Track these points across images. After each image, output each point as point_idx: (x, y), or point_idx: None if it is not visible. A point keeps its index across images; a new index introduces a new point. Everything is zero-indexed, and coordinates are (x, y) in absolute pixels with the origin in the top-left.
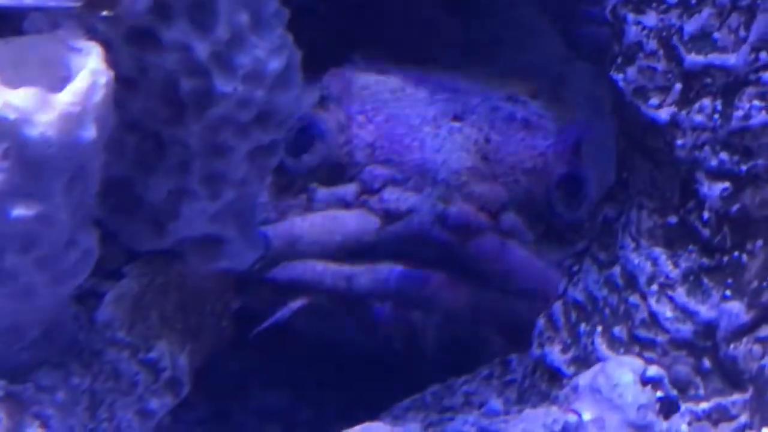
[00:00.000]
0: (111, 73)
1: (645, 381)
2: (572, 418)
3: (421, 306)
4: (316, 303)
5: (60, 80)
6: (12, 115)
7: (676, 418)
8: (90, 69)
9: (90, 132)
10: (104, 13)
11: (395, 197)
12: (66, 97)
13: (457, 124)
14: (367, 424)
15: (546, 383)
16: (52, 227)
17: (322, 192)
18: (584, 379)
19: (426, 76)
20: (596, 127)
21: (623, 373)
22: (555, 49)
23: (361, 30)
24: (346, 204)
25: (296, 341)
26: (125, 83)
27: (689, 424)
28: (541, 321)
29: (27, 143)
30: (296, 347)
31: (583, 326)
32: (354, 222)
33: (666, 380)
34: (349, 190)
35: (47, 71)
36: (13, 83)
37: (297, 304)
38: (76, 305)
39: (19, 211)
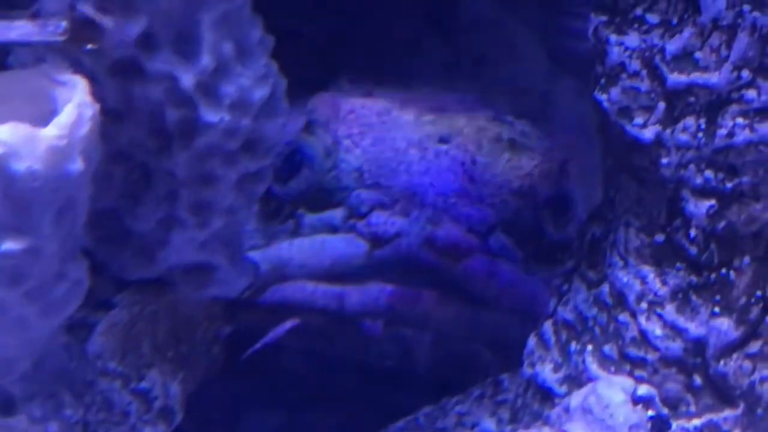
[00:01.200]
0: (97, 106)
1: (636, 400)
2: None
3: (413, 324)
4: (308, 323)
5: (46, 113)
6: None
7: None
8: (76, 102)
9: (77, 165)
10: (89, 46)
11: (383, 221)
12: (52, 131)
13: (443, 147)
14: None
15: (538, 403)
16: (40, 260)
17: (310, 217)
18: (576, 399)
19: (412, 97)
20: (582, 145)
21: (614, 393)
22: (540, 66)
23: (346, 51)
24: (333, 228)
25: (288, 362)
26: (111, 115)
27: None
28: (532, 340)
29: (14, 177)
30: (288, 368)
31: (573, 345)
32: (342, 246)
33: (657, 399)
34: (337, 214)
35: (33, 105)
36: (0, 117)
37: (288, 324)
38: (67, 336)
39: (8, 245)
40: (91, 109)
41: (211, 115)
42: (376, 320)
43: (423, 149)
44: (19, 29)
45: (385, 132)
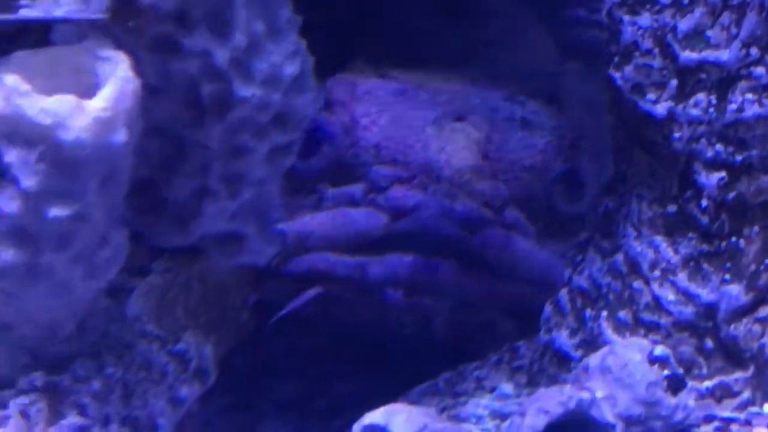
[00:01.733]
0: (138, 80)
1: (652, 360)
2: (586, 395)
3: (432, 293)
4: (330, 292)
5: (90, 87)
6: (47, 120)
7: (683, 394)
8: (119, 76)
9: (121, 135)
10: (129, 24)
11: (402, 195)
12: (98, 103)
13: (458, 125)
14: (390, 406)
15: (555, 367)
16: (86, 225)
17: (331, 192)
18: (594, 360)
19: (426, 79)
20: (590, 124)
21: (632, 353)
22: (548, 51)
23: (361, 37)
24: (354, 202)
25: (311, 331)
26: (149, 90)
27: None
28: (548, 308)
29: (62, 146)
30: (310, 335)
31: (588, 311)
32: (363, 218)
33: (672, 359)
34: (357, 189)
35: (77, 79)
36: (47, 91)
37: (312, 293)
38: (107, 299)
39: (56, 211)
40: (133, 83)
41: (244, 89)
42: (396, 289)
43: (439, 127)
44: (64, 7)
45: (401, 111)
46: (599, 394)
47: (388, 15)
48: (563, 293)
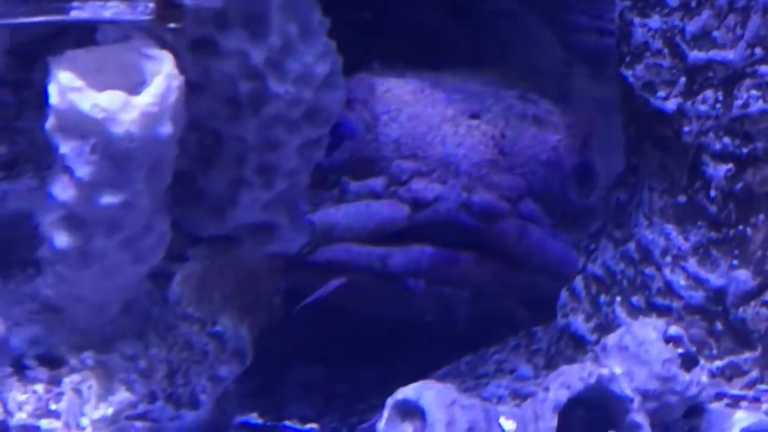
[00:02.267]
0: (182, 77)
1: (667, 339)
2: (605, 371)
3: (452, 282)
4: (354, 281)
5: (136, 84)
6: (99, 115)
7: (696, 370)
8: (165, 74)
9: (167, 128)
10: (172, 25)
11: (422, 187)
12: (146, 99)
13: (474, 122)
14: (421, 382)
15: (571, 349)
16: (134, 213)
17: (354, 185)
18: (612, 339)
19: (441, 79)
20: (600, 121)
21: (648, 332)
22: (556, 53)
23: (378, 39)
24: (376, 195)
25: (335, 318)
26: (189, 87)
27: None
28: (564, 294)
29: (113, 139)
30: (335, 324)
31: (603, 297)
32: (385, 210)
33: (685, 338)
34: (379, 182)
35: (125, 76)
36: (97, 87)
37: (336, 282)
38: (150, 284)
39: (107, 199)
40: (177, 79)
41: (278, 87)
42: (417, 279)
43: (456, 124)
44: (112, 9)
45: (419, 109)
46: (617, 371)
47: (403, 18)
48: (578, 280)
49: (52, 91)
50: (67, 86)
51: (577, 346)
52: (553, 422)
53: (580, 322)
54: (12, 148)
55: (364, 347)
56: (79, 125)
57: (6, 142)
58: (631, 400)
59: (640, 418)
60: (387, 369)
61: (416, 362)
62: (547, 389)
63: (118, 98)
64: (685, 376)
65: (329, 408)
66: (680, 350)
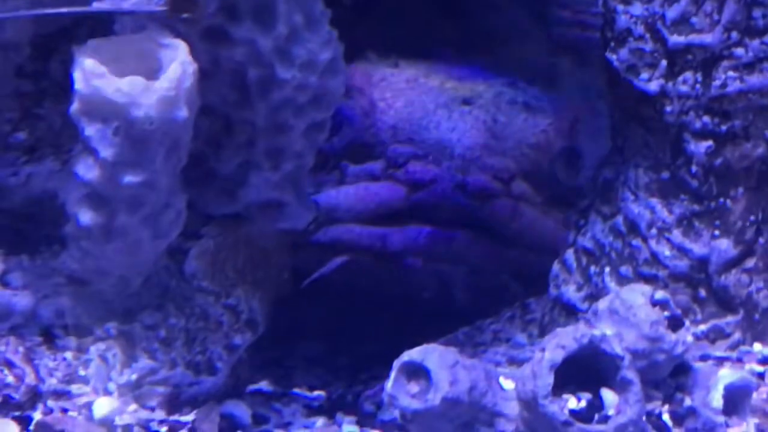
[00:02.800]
0: (195, 64)
1: (654, 303)
2: (597, 332)
3: (448, 260)
4: (356, 259)
5: (154, 70)
6: (122, 99)
7: (682, 331)
8: (180, 61)
9: (183, 111)
10: (184, 15)
11: (419, 169)
12: (164, 84)
13: (467, 108)
14: (425, 345)
15: (564, 318)
16: (154, 191)
17: (353, 168)
18: (603, 304)
19: (433, 68)
20: (585, 108)
21: (636, 296)
22: (542, 45)
23: (370, 30)
24: (375, 177)
25: (338, 294)
26: (201, 73)
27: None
28: (556, 266)
29: (134, 122)
30: (337, 300)
31: (593, 268)
32: (384, 191)
33: (671, 302)
34: (377, 165)
35: (143, 63)
36: (117, 73)
37: (339, 260)
38: (168, 259)
39: (129, 178)
40: (192, 66)
41: (285, 73)
42: (416, 257)
43: (449, 110)
44: (130, 1)
45: (414, 96)
46: (608, 332)
47: (394, 11)
48: (569, 253)
49: (78, 77)
50: (92, 72)
51: (569, 314)
52: (550, 379)
53: (571, 292)
54: (32, 133)
55: (365, 322)
56: (103, 109)
57: (27, 128)
58: (622, 358)
59: (630, 374)
60: (387, 342)
61: (416, 336)
62: (543, 350)
63: (138, 83)
64: (672, 337)
65: (335, 378)
66: (666, 313)
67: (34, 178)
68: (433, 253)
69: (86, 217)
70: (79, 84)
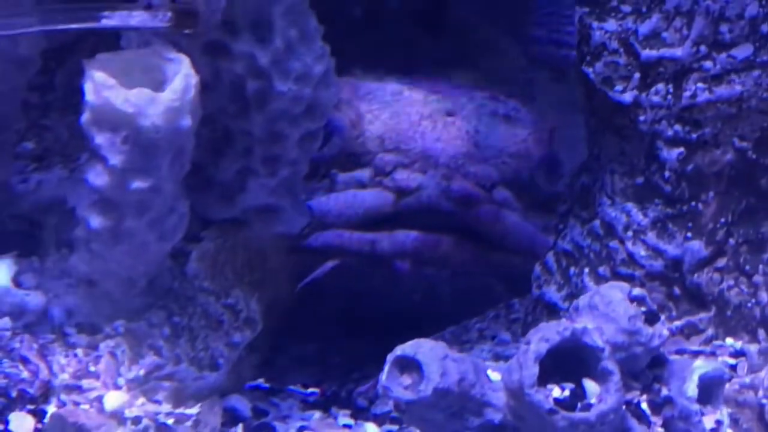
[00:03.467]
0: (198, 76)
1: (632, 299)
2: (579, 326)
3: (435, 263)
4: (346, 263)
5: (159, 82)
6: (130, 109)
7: (658, 325)
8: (183, 73)
9: (187, 121)
10: (187, 31)
11: (405, 177)
12: (169, 95)
13: (450, 119)
14: (417, 340)
15: (546, 316)
16: (160, 196)
17: (342, 176)
18: (583, 300)
19: (416, 83)
20: (562, 118)
21: (614, 293)
22: (519, 61)
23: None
24: (363, 185)
25: (330, 297)
26: (202, 86)
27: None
28: (538, 268)
29: (141, 130)
30: (330, 302)
31: (573, 269)
32: (372, 198)
33: (648, 298)
34: (365, 173)
35: (148, 76)
36: (125, 85)
37: (330, 264)
38: (171, 261)
39: (137, 184)
40: (195, 78)
41: (282, 85)
42: (403, 261)
43: (433, 121)
44: (137, 17)
45: (399, 108)
46: (589, 326)
47: (374, 29)
48: (550, 255)
49: (88, 88)
50: (102, 84)
51: (551, 312)
52: (535, 370)
53: (552, 292)
54: (40, 143)
55: (356, 324)
56: (112, 119)
57: (34, 138)
58: (603, 350)
59: (611, 365)
60: (378, 343)
61: (404, 336)
62: (528, 342)
63: (145, 94)
64: (649, 330)
65: (326, 377)
66: (643, 308)
67: (44, 185)
68: (419, 256)
69: (96, 221)
70: (89, 95)
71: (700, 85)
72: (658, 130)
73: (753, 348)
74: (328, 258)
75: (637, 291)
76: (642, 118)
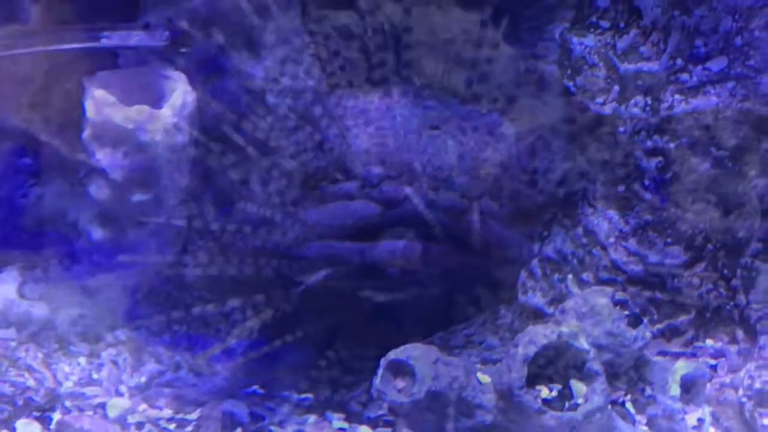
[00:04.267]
0: (194, 93)
1: (615, 302)
2: (565, 329)
3: (423, 272)
4: (338, 272)
5: (157, 99)
6: (130, 125)
7: (641, 328)
8: (180, 90)
9: (185, 136)
10: (183, 50)
11: (393, 188)
12: (167, 112)
13: (435, 132)
14: (408, 345)
15: (532, 321)
16: (160, 207)
17: (331, 188)
18: (569, 304)
19: (400, 98)
20: (544, 130)
21: (599, 297)
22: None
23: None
24: (351, 196)
25: (321, 303)
26: (198, 101)
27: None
28: (523, 274)
29: (142, 145)
30: (321, 308)
31: (557, 275)
32: (360, 209)
33: (630, 302)
34: (353, 185)
35: (146, 93)
36: (125, 102)
37: (321, 274)
38: (169, 270)
39: (137, 197)
40: (192, 95)
41: (274, 99)
42: (392, 270)
43: (419, 134)
44: (136, 37)
45: (386, 122)
46: (575, 329)
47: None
48: (535, 262)
49: (89, 106)
50: (102, 101)
51: (537, 317)
52: (524, 371)
53: (538, 298)
54: (38, 159)
55: (347, 330)
56: (113, 135)
57: (32, 154)
58: (588, 351)
59: (596, 366)
60: (370, 349)
61: (394, 339)
62: (516, 345)
63: (144, 111)
64: (632, 332)
65: (320, 382)
66: (626, 312)
67: (46, 198)
68: (408, 265)
69: (98, 233)
70: (90, 112)
71: (677, 96)
72: (638, 141)
73: (732, 348)
74: (319, 268)
75: (620, 295)
76: (622, 129)
